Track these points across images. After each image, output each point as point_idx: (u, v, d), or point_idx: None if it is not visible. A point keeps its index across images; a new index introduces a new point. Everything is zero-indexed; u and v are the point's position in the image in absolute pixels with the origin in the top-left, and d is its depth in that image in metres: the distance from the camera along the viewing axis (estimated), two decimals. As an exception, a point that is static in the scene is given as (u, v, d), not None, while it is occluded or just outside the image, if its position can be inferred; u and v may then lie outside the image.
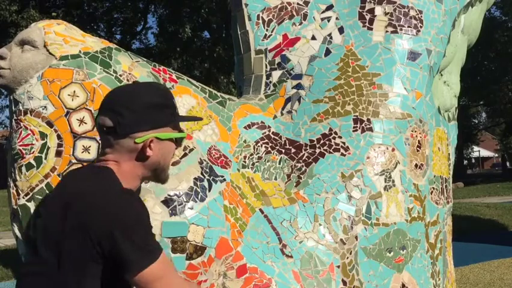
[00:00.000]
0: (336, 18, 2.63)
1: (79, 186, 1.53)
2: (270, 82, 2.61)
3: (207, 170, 2.07)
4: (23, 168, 1.91)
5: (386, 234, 2.28)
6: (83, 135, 1.94)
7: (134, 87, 1.68)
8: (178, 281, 1.53)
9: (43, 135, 1.93)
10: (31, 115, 1.94)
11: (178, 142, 1.65)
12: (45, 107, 1.94)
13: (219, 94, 2.42)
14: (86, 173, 1.63)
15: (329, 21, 2.63)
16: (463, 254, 6.18)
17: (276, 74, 2.60)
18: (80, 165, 1.93)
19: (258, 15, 2.68)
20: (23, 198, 1.91)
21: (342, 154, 2.36)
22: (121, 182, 1.52)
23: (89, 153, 1.94)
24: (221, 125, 2.29)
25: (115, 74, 2.05)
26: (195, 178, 2.01)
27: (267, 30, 2.66)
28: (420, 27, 2.59)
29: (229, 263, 1.94)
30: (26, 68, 1.96)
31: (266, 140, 2.41)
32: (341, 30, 2.60)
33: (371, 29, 2.57)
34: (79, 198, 1.48)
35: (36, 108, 1.94)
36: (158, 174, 1.63)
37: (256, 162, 2.32)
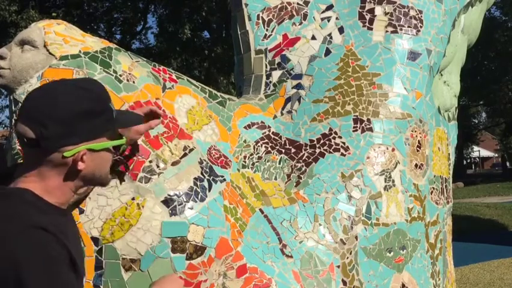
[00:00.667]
0: (336, 18, 2.63)
1: None
2: (270, 82, 2.61)
3: (207, 170, 2.07)
4: (23, 168, 1.91)
5: (386, 234, 2.28)
6: (83, 135, 1.94)
7: (59, 90, 1.33)
8: None
9: (43, 135, 1.93)
10: (31, 115, 1.94)
11: (115, 148, 1.45)
12: (45, 107, 1.94)
13: (218, 94, 2.42)
14: None
15: (329, 21, 2.63)
16: (463, 254, 6.18)
17: (276, 74, 2.60)
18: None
19: (258, 15, 2.68)
20: (23, 198, 1.91)
21: (342, 154, 2.36)
22: (44, 200, 1.31)
23: (89, 153, 1.93)
24: (221, 125, 2.29)
25: (115, 74, 2.05)
26: (194, 178, 2.01)
27: (267, 30, 2.66)
28: (420, 27, 2.59)
29: (229, 263, 1.94)
30: (26, 68, 1.96)
31: (266, 140, 2.41)
32: (341, 30, 2.60)
33: (371, 29, 2.57)
34: None
35: (36, 108, 1.94)
36: (95, 184, 1.45)
37: (256, 162, 2.32)
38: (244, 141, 2.35)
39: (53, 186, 1.32)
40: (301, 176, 2.32)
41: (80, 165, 1.32)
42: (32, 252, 1.20)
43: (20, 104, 1.96)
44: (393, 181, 2.35)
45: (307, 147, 2.39)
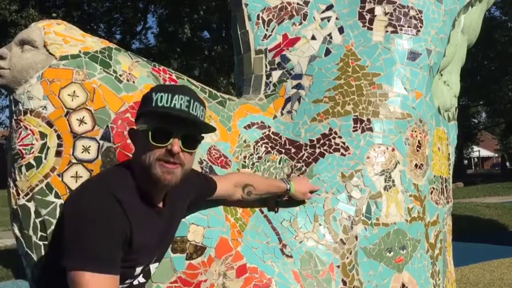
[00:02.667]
0: (336, 18, 2.63)
1: None
2: (270, 82, 2.61)
3: (207, 170, 2.07)
4: (23, 168, 1.91)
5: (386, 234, 2.27)
6: (83, 135, 1.94)
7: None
8: None
9: (43, 135, 1.93)
10: (31, 115, 1.94)
11: (155, 139, 1.49)
12: (45, 107, 1.94)
13: (218, 94, 2.42)
14: None
15: (329, 21, 2.63)
16: (463, 254, 6.18)
17: (276, 74, 2.60)
18: (80, 165, 1.94)
19: (258, 15, 2.68)
20: (23, 198, 1.91)
21: (342, 154, 2.36)
22: (136, 178, 1.52)
23: (89, 153, 1.94)
24: (221, 125, 2.29)
25: (114, 74, 2.05)
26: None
27: (267, 30, 2.66)
28: (420, 27, 2.59)
29: (229, 263, 1.94)
30: (26, 68, 1.96)
31: (266, 140, 2.41)
32: (341, 30, 2.60)
33: (371, 29, 2.57)
34: None
35: (36, 108, 1.94)
36: (144, 172, 1.52)
37: (256, 162, 2.32)
38: (244, 141, 2.35)
39: (136, 166, 1.56)
40: (301, 176, 2.32)
41: (132, 144, 1.62)
42: (90, 208, 1.41)
43: (19, 104, 1.96)
44: (393, 181, 2.35)
45: (307, 147, 2.39)
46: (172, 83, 2.22)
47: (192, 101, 1.52)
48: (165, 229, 1.65)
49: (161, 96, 1.49)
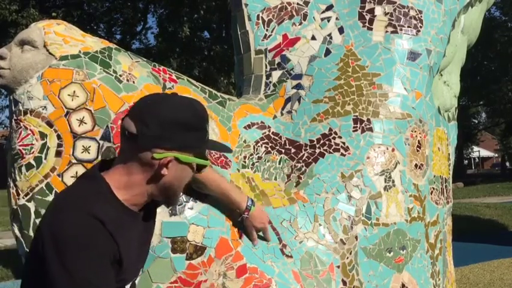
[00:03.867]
0: (336, 18, 2.63)
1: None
2: (270, 82, 2.61)
3: (207, 170, 2.07)
4: (23, 168, 1.91)
5: (386, 234, 2.28)
6: (83, 135, 1.95)
7: (171, 99, 1.47)
8: None
9: (43, 135, 1.93)
10: (31, 115, 1.94)
11: (198, 169, 1.51)
12: (45, 107, 1.94)
13: (218, 94, 2.42)
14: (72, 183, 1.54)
15: (328, 21, 2.63)
16: (463, 254, 6.18)
17: (276, 74, 2.60)
18: (80, 166, 1.94)
19: (258, 15, 2.68)
20: (23, 198, 1.91)
21: (342, 154, 2.36)
22: (116, 197, 1.41)
23: (89, 153, 1.94)
24: (221, 125, 2.29)
25: (115, 74, 2.05)
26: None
27: (267, 30, 2.66)
28: (420, 27, 2.59)
29: (229, 263, 1.94)
30: (26, 68, 1.96)
31: (266, 140, 2.41)
32: (340, 30, 2.60)
33: (371, 29, 2.57)
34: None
35: (36, 108, 1.94)
36: (169, 197, 1.51)
37: (256, 162, 2.32)
38: (244, 141, 2.35)
39: (134, 183, 1.43)
40: (301, 176, 2.32)
41: (164, 171, 1.41)
42: (74, 233, 1.29)
43: (19, 104, 1.96)
44: (393, 181, 2.35)
45: (307, 148, 2.39)
46: (172, 83, 2.22)
47: None
48: (143, 233, 1.56)
49: (208, 129, 1.51)
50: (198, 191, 1.98)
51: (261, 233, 2.05)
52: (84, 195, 1.39)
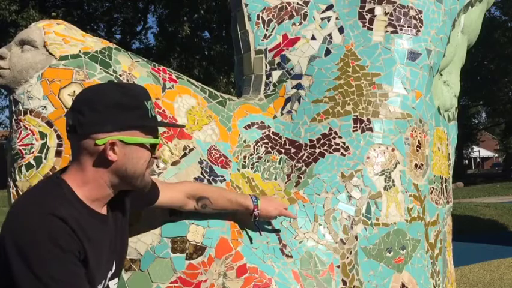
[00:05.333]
0: (336, 18, 2.63)
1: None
2: (270, 82, 2.61)
3: (207, 170, 2.07)
4: (23, 168, 1.91)
5: (386, 234, 2.28)
6: (83, 135, 1.94)
7: (102, 86, 1.50)
8: None
9: (43, 135, 1.93)
10: (31, 115, 1.94)
11: (153, 149, 1.47)
12: (45, 107, 1.94)
13: (218, 94, 2.42)
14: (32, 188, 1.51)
15: (328, 21, 2.63)
16: (463, 254, 6.18)
17: (276, 74, 2.60)
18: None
19: (258, 15, 2.68)
20: (23, 198, 1.91)
21: (342, 154, 2.36)
22: (77, 197, 1.38)
23: (89, 153, 1.94)
24: (221, 125, 2.29)
25: (114, 74, 2.05)
26: (194, 178, 2.01)
27: (267, 30, 2.66)
28: (420, 27, 2.59)
29: (229, 263, 1.94)
30: (26, 68, 1.96)
31: (266, 140, 2.41)
32: (340, 30, 2.60)
33: (371, 29, 2.57)
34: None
35: (36, 108, 1.94)
36: (129, 182, 1.46)
37: (256, 162, 2.32)
38: (244, 141, 2.35)
39: (89, 178, 1.40)
40: (301, 176, 2.32)
41: (111, 155, 1.39)
42: (35, 233, 1.26)
43: (19, 104, 1.96)
44: (393, 181, 2.35)
45: (307, 147, 2.39)
46: (172, 83, 2.22)
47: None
48: (113, 237, 1.52)
49: (151, 105, 1.45)
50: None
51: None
52: (43, 197, 1.36)
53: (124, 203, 1.60)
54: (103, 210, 1.48)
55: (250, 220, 1.99)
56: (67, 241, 1.30)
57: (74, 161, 1.43)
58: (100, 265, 1.44)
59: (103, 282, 1.48)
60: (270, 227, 2.11)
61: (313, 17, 2.65)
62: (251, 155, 2.33)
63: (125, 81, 2.06)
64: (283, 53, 2.61)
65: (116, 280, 1.58)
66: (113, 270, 1.55)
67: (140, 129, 1.43)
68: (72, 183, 1.40)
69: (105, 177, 1.42)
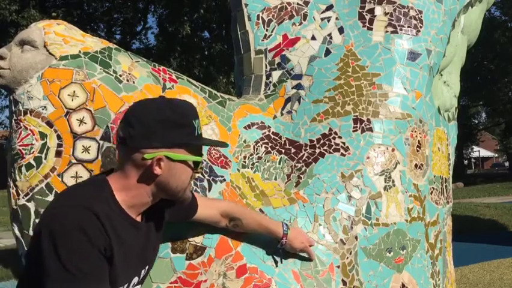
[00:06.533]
0: (336, 18, 2.63)
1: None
2: (270, 82, 2.61)
3: (207, 170, 2.07)
4: (23, 168, 1.92)
5: (385, 234, 2.27)
6: (83, 135, 1.95)
7: (153, 101, 1.54)
8: None
9: (43, 135, 1.93)
10: (31, 115, 1.94)
11: (195, 166, 1.52)
12: (45, 107, 1.94)
13: (218, 94, 2.42)
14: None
15: (328, 21, 2.63)
16: (463, 254, 6.18)
17: (276, 74, 2.60)
18: (80, 166, 1.94)
19: (258, 15, 2.68)
20: (23, 198, 1.92)
21: (342, 154, 2.36)
22: (116, 201, 1.45)
23: (89, 153, 1.94)
24: (221, 125, 2.29)
25: (114, 74, 2.05)
26: (194, 178, 2.01)
27: (267, 30, 2.66)
28: (420, 27, 2.59)
29: (229, 263, 1.94)
30: (26, 68, 1.96)
31: (266, 140, 2.41)
32: (340, 30, 2.60)
33: (371, 29, 2.57)
34: None
35: (36, 108, 1.94)
36: (171, 196, 1.52)
37: (256, 162, 2.32)
38: (244, 141, 2.35)
39: (131, 185, 1.47)
40: (301, 176, 2.32)
41: (157, 170, 1.45)
42: (68, 224, 1.33)
43: (19, 104, 1.96)
44: (393, 181, 2.35)
45: (307, 148, 2.39)
46: (172, 83, 2.22)
47: None
48: (144, 245, 1.56)
49: (198, 124, 1.51)
50: (197, 191, 1.98)
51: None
52: (83, 191, 1.45)
53: (162, 216, 1.66)
54: (138, 218, 1.53)
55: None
56: (96, 235, 1.35)
57: (120, 168, 1.49)
58: (126, 268, 1.48)
59: (126, 285, 1.52)
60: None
61: (313, 17, 2.65)
62: (251, 155, 2.33)
63: (125, 81, 2.06)
64: (283, 53, 2.61)
65: (139, 287, 1.62)
66: (140, 277, 1.59)
67: (186, 147, 1.48)
68: (114, 186, 1.46)
69: (147, 189, 1.48)
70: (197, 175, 1.55)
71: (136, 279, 1.57)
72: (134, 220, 1.50)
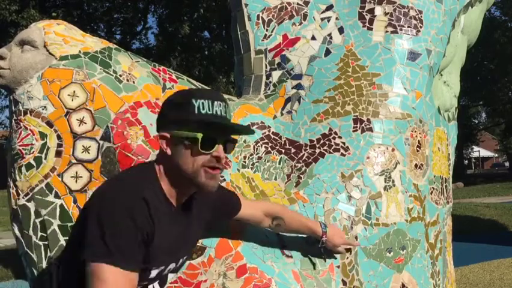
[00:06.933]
0: (336, 18, 2.63)
1: None
2: (270, 82, 2.61)
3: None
4: (23, 168, 1.92)
5: (385, 235, 2.27)
6: (83, 135, 1.95)
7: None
8: None
9: (43, 135, 1.93)
10: (31, 115, 1.94)
11: (203, 146, 1.50)
12: (45, 107, 1.94)
13: (218, 94, 2.42)
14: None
15: (328, 21, 2.63)
16: (463, 254, 6.18)
17: (276, 74, 2.60)
18: (80, 165, 1.94)
19: (258, 15, 2.68)
20: (23, 198, 1.92)
21: (342, 154, 2.36)
22: (160, 185, 1.53)
23: (89, 153, 1.94)
24: (221, 125, 2.28)
25: (114, 74, 2.05)
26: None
27: (267, 30, 2.66)
28: (420, 27, 2.59)
29: (229, 263, 1.95)
30: (26, 68, 1.96)
31: (266, 140, 2.41)
32: (340, 30, 2.60)
33: (371, 29, 2.57)
34: None
35: (36, 108, 1.94)
36: (187, 179, 1.53)
37: (256, 162, 2.32)
38: (244, 141, 2.35)
39: (162, 170, 1.55)
40: (301, 176, 2.32)
41: (167, 150, 1.53)
42: (117, 205, 1.43)
43: (19, 104, 1.96)
44: (393, 181, 2.35)
45: (307, 148, 2.39)
46: (172, 83, 2.22)
47: (226, 105, 1.56)
48: (183, 234, 1.62)
49: (203, 103, 1.51)
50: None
51: (262, 231, 2.08)
52: (135, 176, 1.55)
53: (206, 212, 1.73)
54: (179, 207, 1.60)
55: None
56: (143, 222, 1.43)
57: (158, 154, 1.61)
58: (164, 253, 1.55)
59: (162, 267, 1.59)
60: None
61: (313, 17, 2.65)
62: (251, 155, 2.33)
63: (125, 81, 2.06)
64: (283, 53, 2.61)
65: (173, 274, 1.71)
66: (177, 264, 1.66)
67: (183, 124, 1.51)
68: (157, 172, 1.56)
69: (170, 172, 1.54)
70: (217, 165, 1.53)
71: (172, 265, 1.63)
72: (175, 208, 1.57)
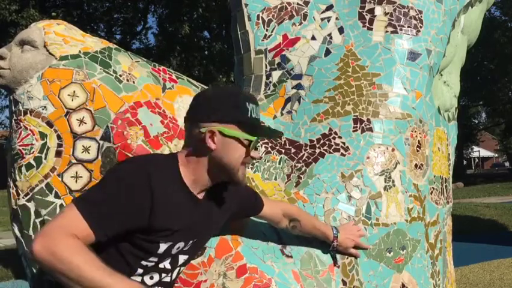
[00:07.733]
0: (336, 18, 2.63)
1: None
2: (270, 82, 2.61)
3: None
4: (23, 168, 1.92)
5: (385, 235, 2.27)
6: (83, 135, 1.95)
7: (219, 87, 1.79)
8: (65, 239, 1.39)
9: (43, 135, 1.93)
10: (31, 115, 1.94)
11: (250, 146, 1.61)
12: (45, 107, 1.94)
13: (218, 94, 2.42)
14: None
15: (328, 21, 2.63)
16: (463, 254, 6.18)
17: (276, 74, 2.60)
18: (80, 166, 1.94)
19: (258, 15, 2.68)
20: (23, 198, 1.92)
21: (342, 154, 2.36)
22: (181, 170, 1.58)
23: (89, 153, 1.94)
24: (221, 125, 2.28)
25: (114, 74, 2.05)
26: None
27: (267, 30, 2.66)
28: (420, 27, 2.59)
29: (229, 263, 1.95)
30: (26, 68, 1.96)
31: (266, 140, 2.41)
32: (340, 30, 2.60)
33: (371, 29, 2.57)
34: None
35: (36, 108, 1.94)
36: (224, 172, 1.61)
37: (256, 162, 2.32)
38: (244, 141, 2.34)
39: (191, 159, 1.60)
40: (301, 176, 2.32)
41: (211, 144, 1.56)
42: (120, 172, 1.51)
43: (19, 104, 1.97)
44: (393, 181, 2.35)
45: (307, 148, 2.40)
46: (172, 83, 2.22)
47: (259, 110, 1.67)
48: (199, 220, 1.65)
49: (253, 108, 1.61)
50: None
51: (262, 231, 2.07)
52: (151, 158, 1.67)
53: (228, 204, 1.77)
54: (200, 195, 1.65)
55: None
56: (138, 192, 1.47)
57: (185, 145, 1.65)
58: (169, 227, 1.56)
59: (170, 243, 1.60)
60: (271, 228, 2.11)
61: (313, 17, 2.65)
62: (251, 155, 2.33)
63: (125, 81, 2.06)
64: (283, 53, 2.61)
65: (186, 257, 1.72)
66: (186, 245, 1.67)
67: (238, 124, 1.58)
68: (180, 160, 1.60)
69: (204, 163, 1.59)
70: (253, 161, 1.63)
71: (181, 244, 1.65)
72: (193, 195, 1.61)
